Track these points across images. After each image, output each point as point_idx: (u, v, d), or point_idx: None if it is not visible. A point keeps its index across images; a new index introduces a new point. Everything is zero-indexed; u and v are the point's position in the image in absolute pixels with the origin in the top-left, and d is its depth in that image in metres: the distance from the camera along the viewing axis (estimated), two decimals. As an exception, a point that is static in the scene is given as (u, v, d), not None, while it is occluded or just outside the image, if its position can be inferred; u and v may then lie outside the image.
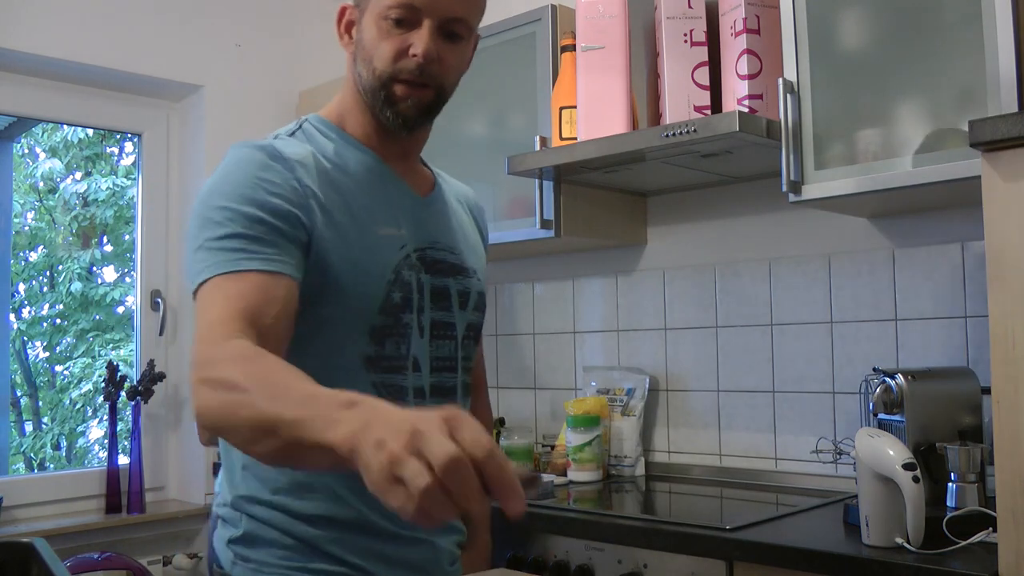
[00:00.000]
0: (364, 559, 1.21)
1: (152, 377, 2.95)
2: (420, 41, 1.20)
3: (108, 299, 3.87)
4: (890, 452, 1.56)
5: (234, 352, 0.97)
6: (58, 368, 3.98)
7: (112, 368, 2.93)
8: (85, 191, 3.89)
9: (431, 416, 0.72)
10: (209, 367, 0.96)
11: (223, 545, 1.24)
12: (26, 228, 3.82)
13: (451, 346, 1.30)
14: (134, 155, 3.42)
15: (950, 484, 1.72)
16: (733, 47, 2.09)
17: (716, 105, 2.15)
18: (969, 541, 1.54)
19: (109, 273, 4.06)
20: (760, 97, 2.06)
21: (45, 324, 4.06)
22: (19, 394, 3.94)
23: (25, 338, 3.94)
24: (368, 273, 1.20)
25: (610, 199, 2.55)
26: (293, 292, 1.12)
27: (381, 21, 1.22)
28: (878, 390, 1.79)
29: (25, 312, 3.93)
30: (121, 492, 2.88)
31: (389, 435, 0.70)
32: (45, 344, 4.06)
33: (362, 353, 1.20)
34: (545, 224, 2.39)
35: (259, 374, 0.92)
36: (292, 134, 1.27)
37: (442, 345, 1.29)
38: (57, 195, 3.95)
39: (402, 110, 1.24)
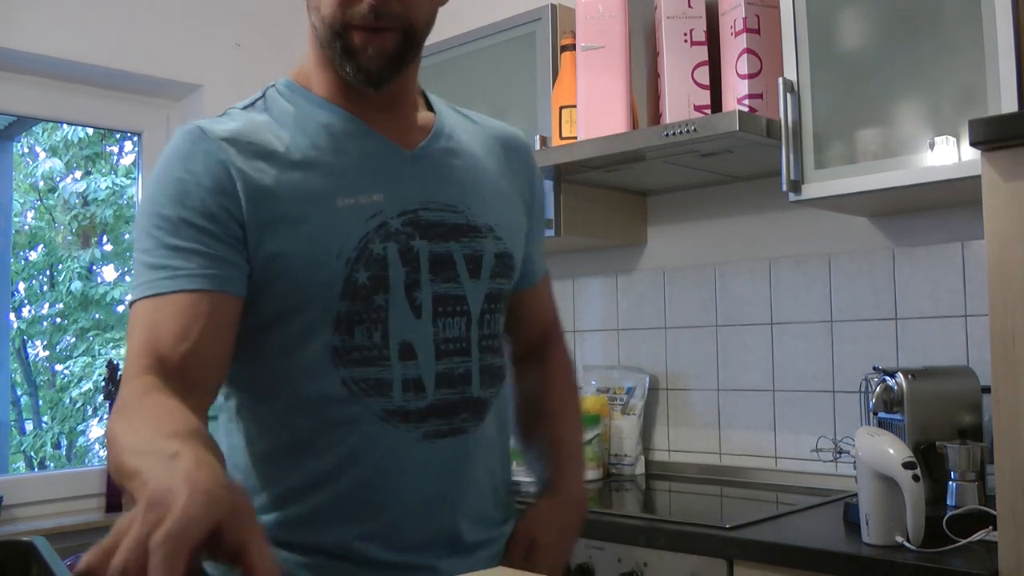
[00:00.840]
0: None
1: (152, 376, 2.95)
2: None
3: (108, 298, 3.87)
4: (890, 451, 1.56)
5: (124, 399, 0.93)
6: (58, 367, 3.99)
7: (112, 367, 2.93)
8: (85, 190, 3.89)
9: (152, 504, 0.69)
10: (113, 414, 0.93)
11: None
12: (26, 227, 3.82)
13: (461, 324, 1.08)
14: (133, 154, 3.43)
15: (950, 483, 1.72)
16: (733, 46, 2.09)
17: (716, 104, 2.15)
18: (969, 540, 1.54)
19: (109, 272, 4.06)
20: (760, 96, 2.06)
21: (45, 323, 4.06)
22: (19, 393, 3.94)
23: (25, 337, 3.95)
24: (321, 254, 1.03)
25: (610, 199, 2.55)
26: (221, 306, 1.01)
27: None
28: (878, 389, 1.79)
29: (25, 311, 3.93)
30: (121, 491, 2.88)
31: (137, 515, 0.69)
32: (45, 343, 4.06)
33: (328, 345, 1.03)
34: (545, 224, 2.38)
35: (127, 424, 0.88)
36: (250, 105, 1.14)
37: (450, 324, 1.07)
38: (57, 194, 3.95)
39: (363, 62, 1.05)
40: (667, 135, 1.99)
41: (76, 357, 3.88)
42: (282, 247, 1.02)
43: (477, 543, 1.11)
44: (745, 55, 2.06)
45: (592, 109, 2.21)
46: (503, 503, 1.18)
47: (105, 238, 4.01)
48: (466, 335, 1.08)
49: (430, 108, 1.20)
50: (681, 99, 2.15)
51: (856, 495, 1.69)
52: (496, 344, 1.14)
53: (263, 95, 1.16)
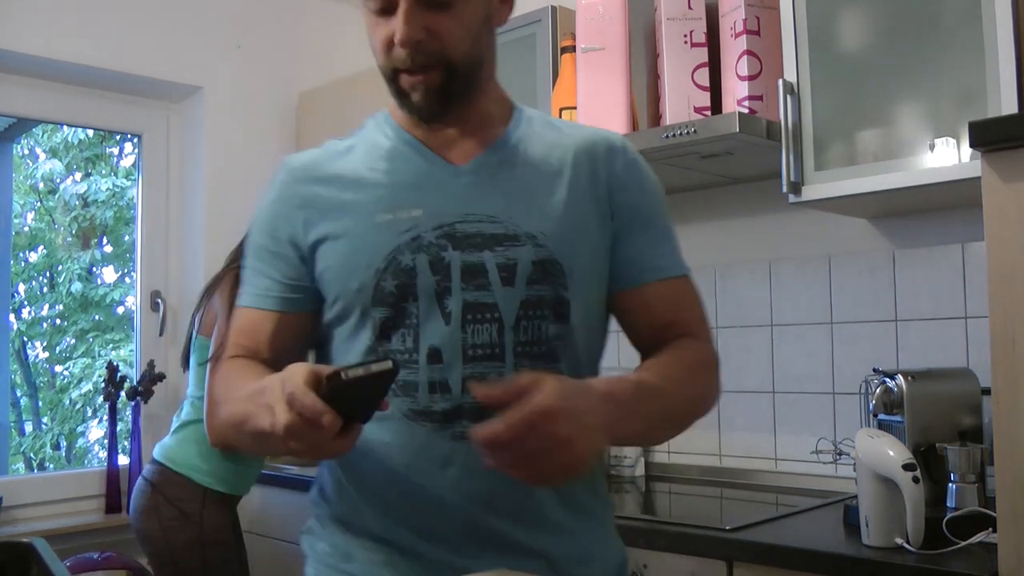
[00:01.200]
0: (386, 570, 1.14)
1: (152, 377, 2.95)
2: (397, 27, 1.10)
3: (108, 299, 3.87)
4: (890, 452, 1.56)
5: (223, 374, 1.19)
6: (58, 368, 3.98)
7: (112, 368, 2.93)
8: (85, 192, 3.89)
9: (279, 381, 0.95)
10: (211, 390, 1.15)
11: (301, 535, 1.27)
12: (26, 229, 3.82)
13: (492, 330, 1.11)
14: (134, 156, 3.42)
15: (950, 484, 1.72)
16: (733, 48, 2.09)
17: (716, 106, 2.15)
18: (969, 541, 1.54)
19: (109, 273, 4.06)
20: (760, 98, 2.06)
21: (45, 324, 4.06)
22: (19, 394, 3.94)
23: (25, 338, 3.94)
24: (356, 265, 1.14)
25: (610, 200, 2.55)
26: (283, 325, 1.20)
27: (368, 15, 1.14)
28: (878, 390, 1.79)
29: (25, 312, 3.93)
30: (121, 492, 2.88)
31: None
32: (45, 344, 4.06)
33: (369, 349, 1.14)
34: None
35: (231, 386, 1.13)
36: (351, 134, 1.27)
37: (480, 331, 1.11)
38: (57, 196, 3.95)
39: (415, 101, 1.14)
40: (667, 137, 1.99)
41: (76, 358, 3.88)
42: (327, 262, 1.16)
43: (537, 546, 1.13)
44: (745, 57, 2.06)
45: (592, 111, 2.21)
46: (585, 511, 1.17)
47: (105, 240, 4.01)
48: (498, 341, 1.12)
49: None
50: (681, 101, 2.15)
51: (856, 497, 1.69)
52: (540, 350, 1.14)
53: (364, 125, 1.28)
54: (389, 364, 0.91)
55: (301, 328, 1.21)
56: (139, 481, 2.25)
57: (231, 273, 2.23)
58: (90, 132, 3.73)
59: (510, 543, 1.12)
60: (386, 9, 1.11)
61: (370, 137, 1.23)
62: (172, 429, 2.29)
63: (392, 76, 1.14)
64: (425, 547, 1.12)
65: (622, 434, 1.07)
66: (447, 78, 1.13)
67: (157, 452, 2.25)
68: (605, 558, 1.20)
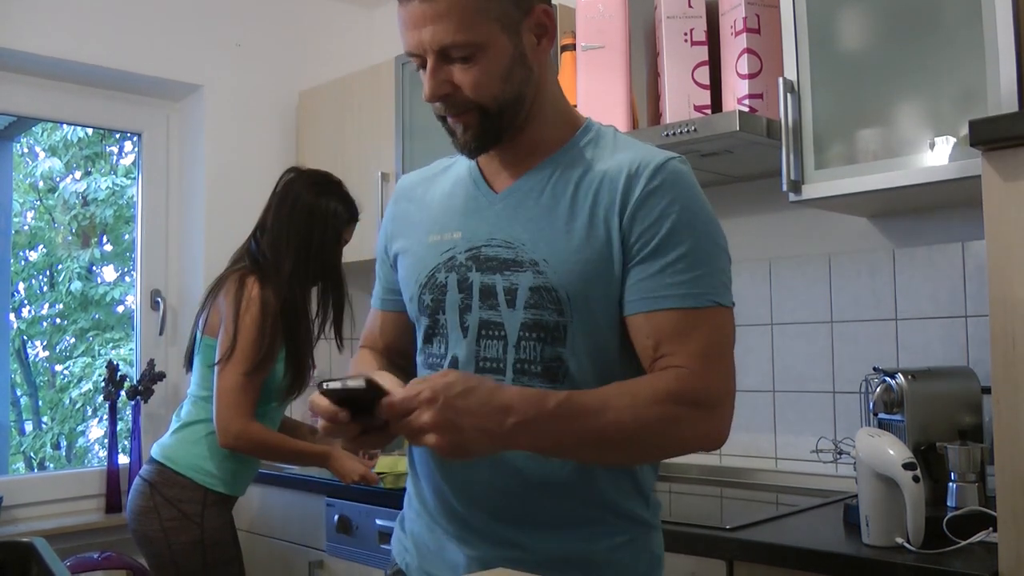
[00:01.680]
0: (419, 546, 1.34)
1: (152, 376, 2.95)
2: (425, 83, 1.20)
3: (108, 298, 3.87)
4: (890, 452, 1.56)
5: (352, 361, 1.46)
6: (58, 367, 3.98)
7: (112, 367, 2.93)
8: (85, 190, 3.89)
9: None
10: None
11: None
12: (26, 227, 3.82)
13: (499, 347, 1.22)
14: (134, 154, 3.42)
15: (950, 484, 1.72)
16: (733, 46, 2.09)
17: (716, 104, 2.15)
18: (969, 541, 1.54)
19: (109, 272, 4.06)
20: (760, 97, 2.06)
21: (45, 323, 4.06)
22: (19, 393, 3.94)
23: (25, 337, 3.94)
24: (410, 279, 1.31)
25: (610, 199, 2.55)
26: (387, 321, 1.44)
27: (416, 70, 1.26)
28: (878, 390, 1.79)
29: (25, 311, 3.93)
30: (121, 492, 2.88)
31: None
32: (45, 343, 4.06)
33: (419, 351, 1.34)
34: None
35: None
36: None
37: (489, 346, 1.23)
38: (57, 194, 3.95)
39: (460, 141, 1.24)
40: (667, 135, 1.99)
41: (76, 358, 3.87)
42: (399, 273, 1.36)
43: (513, 537, 1.23)
44: (745, 55, 2.05)
45: (592, 109, 2.21)
46: (564, 524, 1.22)
47: (105, 238, 4.01)
48: (503, 357, 1.22)
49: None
50: (681, 99, 2.15)
51: (856, 496, 1.69)
52: (537, 369, 1.20)
53: None
54: (362, 383, 1.05)
55: (403, 324, 1.39)
56: (136, 481, 2.24)
57: (235, 274, 2.23)
58: (90, 131, 3.73)
59: (490, 531, 1.24)
60: (423, 65, 1.20)
61: (459, 160, 1.36)
62: (172, 429, 2.28)
63: (441, 121, 1.26)
64: (443, 522, 1.28)
65: (524, 444, 1.11)
66: (483, 119, 1.21)
67: (156, 452, 2.25)
68: (584, 564, 1.22)
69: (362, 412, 1.07)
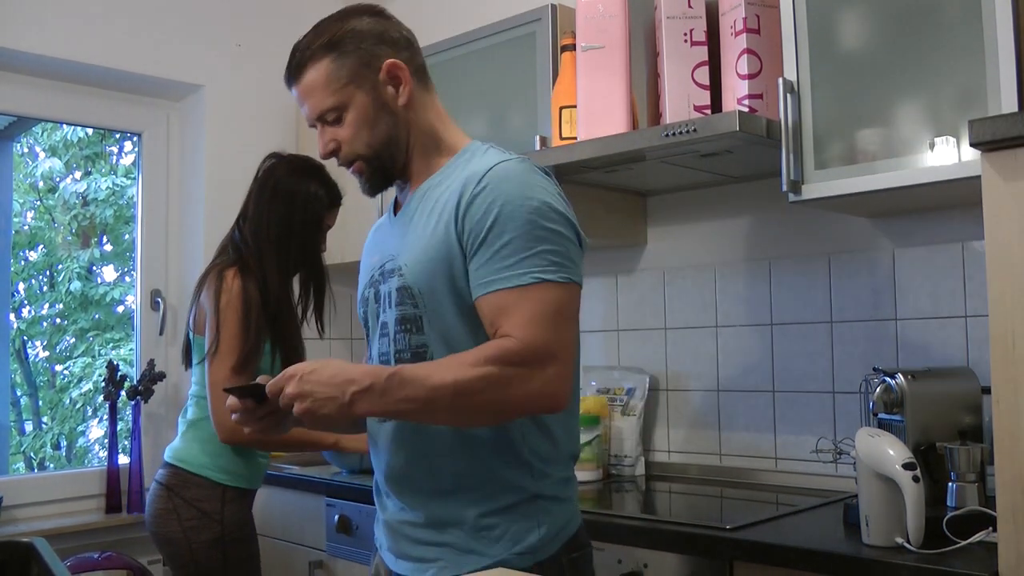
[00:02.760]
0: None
1: (152, 377, 2.95)
2: (317, 145, 1.50)
3: (108, 298, 3.86)
4: (890, 452, 1.56)
5: None
6: (58, 367, 3.98)
7: (112, 367, 2.93)
8: (85, 190, 3.89)
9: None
10: None
11: None
12: (26, 227, 3.82)
13: (386, 342, 1.46)
14: (133, 154, 3.42)
15: (950, 484, 1.72)
16: (733, 47, 2.09)
17: (716, 105, 2.15)
18: (969, 541, 1.54)
19: (109, 272, 4.06)
20: (760, 97, 2.06)
21: (45, 324, 4.05)
22: (19, 394, 3.94)
23: (25, 337, 3.94)
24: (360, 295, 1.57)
25: (610, 199, 2.55)
26: None
27: None
28: (878, 390, 1.79)
29: (25, 312, 3.93)
30: (121, 492, 2.88)
31: None
32: (45, 343, 4.06)
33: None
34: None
35: None
36: None
37: (383, 342, 1.47)
38: (57, 194, 3.95)
39: (361, 187, 1.52)
40: (667, 135, 1.99)
41: (76, 358, 3.87)
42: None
43: (420, 506, 1.43)
44: (745, 55, 2.05)
45: (592, 109, 2.21)
46: (445, 490, 1.41)
47: (105, 238, 4.01)
48: (388, 350, 1.45)
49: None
50: (681, 99, 2.15)
51: (856, 496, 1.69)
52: (407, 356, 1.42)
53: None
54: (257, 381, 1.37)
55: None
56: (153, 486, 2.24)
57: (215, 269, 2.22)
58: (90, 131, 3.73)
59: (395, 497, 1.47)
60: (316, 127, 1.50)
61: None
62: (180, 431, 2.28)
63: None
64: (378, 493, 1.54)
65: (366, 410, 1.32)
66: (367, 165, 1.48)
67: (168, 455, 2.24)
68: (465, 522, 1.40)
69: (263, 402, 1.35)
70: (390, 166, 1.48)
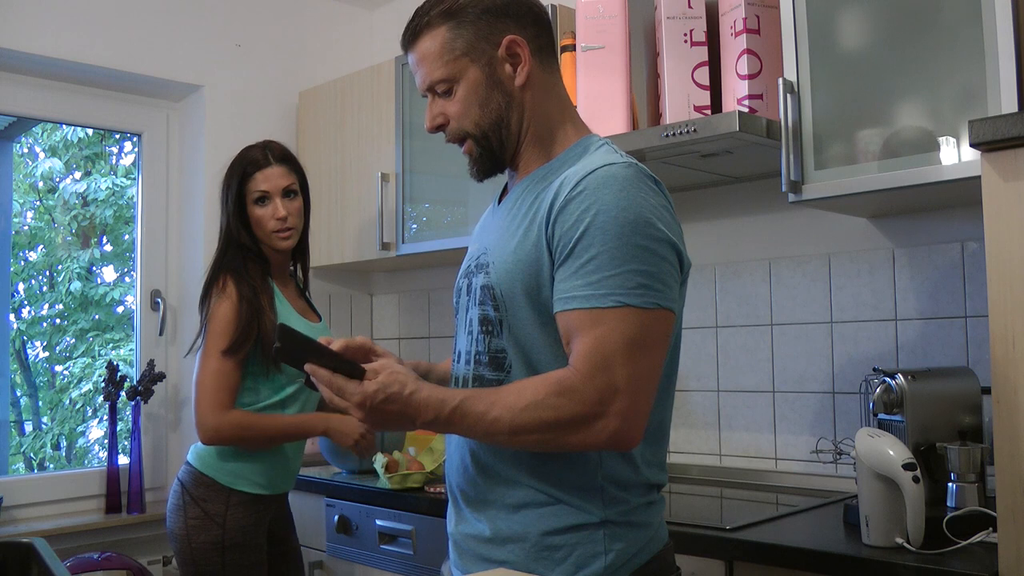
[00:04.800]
0: None
1: (152, 377, 2.95)
2: (426, 114, 1.41)
3: (108, 299, 3.86)
4: (890, 452, 1.56)
5: None
6: (58, 368, 3.98)
7: (112, 368, 2.93)
8: (85, 191, 3.88)
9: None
10: None
11: None
12: (26, 228, 3.81)
13: (469, 340, 1.38)
14: (134, 154, 3.42)
15: (950, 484, 1.72)
16: (733, 47, 2.09)
17: (716, 105, 2.15)
18: (969, 541, 1.54)
19: (109, 273, 4.06)
20: (760, 97, 2.06)
21: (45, 324, 4.05)
22: (19, 394, 3.94)
23: (25, 338, 3.94)
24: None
25: (610, 199, 2.55)
26: None
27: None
28: (878, 390, 1.79)
29: (25, 312, 3.93)
30: (121, 492, 2.88)
31: None
32: (45, 344, 4.06)
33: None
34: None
35: None
36: None
37: (468, 339, 1.38)
38: (57, 195, 3.95)
39: (470, 170, 1.43)
40: (667, 136, 1.99)
41: (76, 358, 3.87)
42: None
43: (466, 504, 1.39)
44: (745, 55, 2.05)
45: (592, 109, 2.21)
46: (513, 504, 1.33)
47: (105, 239, 4.01)
48: (470, 349, 1.37)
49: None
50: (681, 100, 2.15)
51: (856, 496, 1.69)
52: (485, 359, 1.34)
53: None
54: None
55: None
56: (173, 482, 2.24)
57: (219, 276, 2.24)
58: (90, 131, 3.72)
59: (461, 505, 1.40)
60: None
61: None
62: None
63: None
64: (451, 500, 1.45)
65: (435, 429, 1.29)
66: (477, 147, 1.38)
67: (188, 453, 2.24)
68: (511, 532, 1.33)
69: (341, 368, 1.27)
70: (499, 150, 1.39)
